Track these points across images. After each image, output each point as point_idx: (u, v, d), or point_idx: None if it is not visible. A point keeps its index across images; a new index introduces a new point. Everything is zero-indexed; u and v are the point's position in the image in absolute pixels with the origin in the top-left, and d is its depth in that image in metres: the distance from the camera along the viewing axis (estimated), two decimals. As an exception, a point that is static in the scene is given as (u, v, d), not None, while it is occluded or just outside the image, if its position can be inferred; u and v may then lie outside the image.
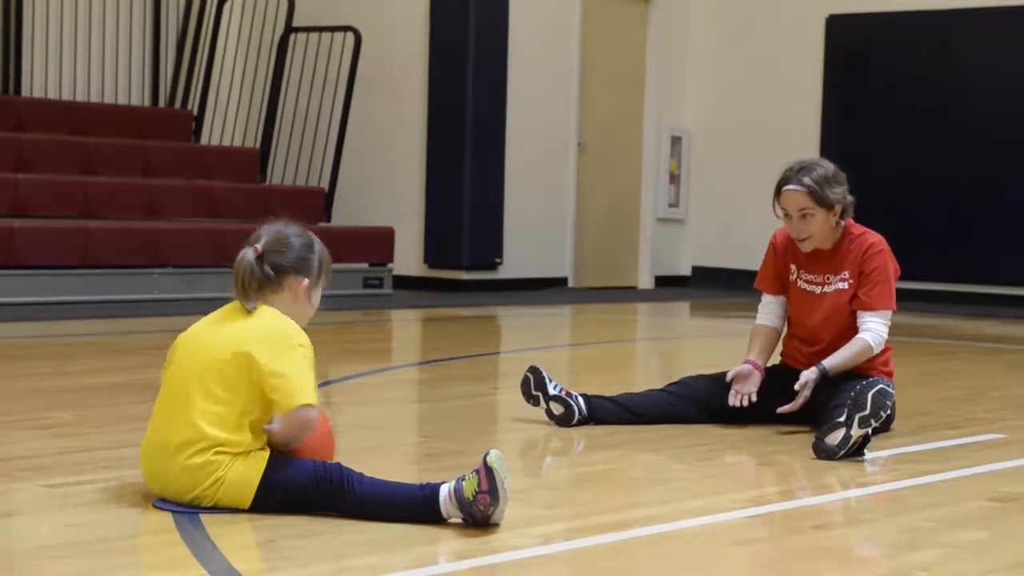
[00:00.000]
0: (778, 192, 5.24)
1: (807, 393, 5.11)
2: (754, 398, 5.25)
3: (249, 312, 3.74)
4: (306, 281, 3.83)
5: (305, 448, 3.76)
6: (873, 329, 5.20)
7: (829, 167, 5.23)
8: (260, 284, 3.76)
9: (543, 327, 10.34)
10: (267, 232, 3.83)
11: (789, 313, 5.45)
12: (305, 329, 3.77)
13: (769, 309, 5.47)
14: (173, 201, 11.19)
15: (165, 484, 3.65)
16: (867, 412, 4.64)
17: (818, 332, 5.32)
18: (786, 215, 5.23)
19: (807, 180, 5.15)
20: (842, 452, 4.67)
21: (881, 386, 4.67)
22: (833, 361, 5.15)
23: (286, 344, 3.66)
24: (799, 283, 5.36)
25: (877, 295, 5.21)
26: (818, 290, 5.32)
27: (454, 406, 5.93)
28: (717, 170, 14.48)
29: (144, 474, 3.74)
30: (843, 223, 5.28)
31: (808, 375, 5.11)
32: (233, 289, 3.78)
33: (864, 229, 5.33)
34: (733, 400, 5.26)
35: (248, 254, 3.78)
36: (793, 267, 5.38)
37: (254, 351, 3.63)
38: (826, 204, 5.17)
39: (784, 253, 5.41)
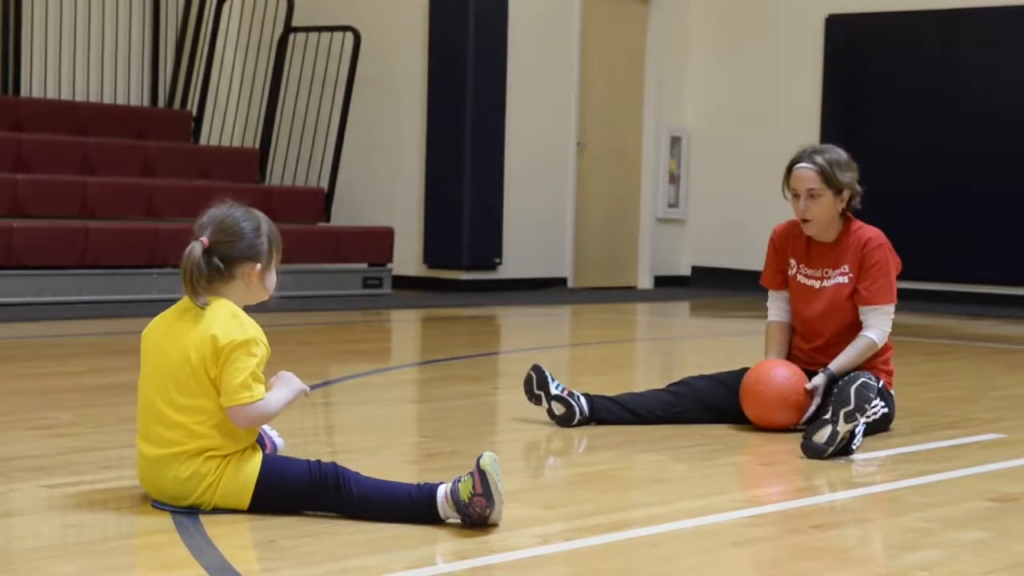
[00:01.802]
0: (789, 171, 5.25)
1: (818, 400, 5.10)
2: None
3: (201, 310, 3.65)
4: (258, 266, 3.70)
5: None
6: (876, 326, 5.20)
7: (842, 153, 5.26)
8: (210, 278, 3.66)
9: (543, 327, 10.34)
10: (212, 221, 3.68)
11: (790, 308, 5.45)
12: (266, 327, 3.70)
13: (777, 304, 5.48)
14: (173, 201, 11.18)
15: (162, 492, 3.64)
16: (851, 407, 4.63)
17: (817, 327, 5.32)
18: (794, 195, 5.24)
19: (819, 160, 5.19)
20: (831, 450, 4.66)
21: (863, 380, 4.66)
22: (839, 363, 5.15)
23: (230, 349, 3.58)
24: (798, 277, 5.37)
25: (878, 289, 5.21)
26: (817, 284, 5.32)
27: (453, 406, 5.92)
28: (717, 170, 14.48)
29: (142, 484, 3.73)
30: (847, 215, 5.28)
31: (817, 381, 5.12)
32: (182, 286, 3.67)
33: (863, 224, 5.34)
34: None
35: (195, 249, 3.64)
36: (792, 261, 5.39)
37: (207, 360, 3.58)
38: (835, 186, 5.18)
39: (784, 248, 5.42)
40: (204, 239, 3.65)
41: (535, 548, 3.43)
